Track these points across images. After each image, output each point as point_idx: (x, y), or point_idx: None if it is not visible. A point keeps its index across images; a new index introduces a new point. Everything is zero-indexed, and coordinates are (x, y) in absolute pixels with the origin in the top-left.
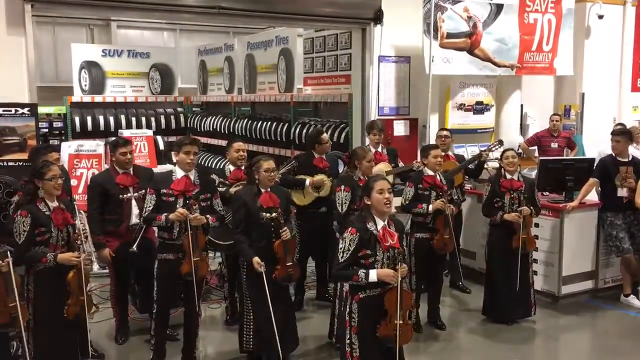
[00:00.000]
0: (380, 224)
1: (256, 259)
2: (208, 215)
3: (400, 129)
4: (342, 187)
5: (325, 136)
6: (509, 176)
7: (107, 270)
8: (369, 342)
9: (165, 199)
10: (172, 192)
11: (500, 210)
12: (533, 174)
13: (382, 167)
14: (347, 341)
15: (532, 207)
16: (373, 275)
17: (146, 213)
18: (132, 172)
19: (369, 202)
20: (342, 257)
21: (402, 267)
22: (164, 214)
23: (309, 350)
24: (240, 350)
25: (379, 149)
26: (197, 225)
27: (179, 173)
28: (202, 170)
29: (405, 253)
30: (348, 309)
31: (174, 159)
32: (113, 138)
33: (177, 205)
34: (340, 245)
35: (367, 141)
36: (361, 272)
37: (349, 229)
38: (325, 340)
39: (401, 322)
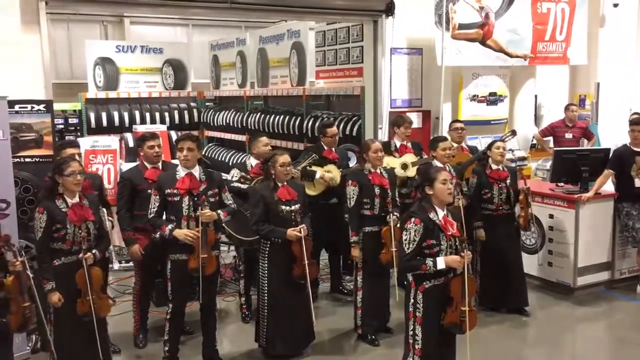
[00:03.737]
0: (441, 213)
1: (290, 231)
2: (219, 211)
3: (413, 121)
4: (350, 181)
5: (333, 130)
6: (494, 167)
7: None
8: (431, 334)
9: (170, 199)
10: (178, 191)
11: (489, 203)
12: (548, 165)
13: (408, 158)
14: (410, 332)
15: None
16: (441, 262)
17: (151, 215)
18: (161, 167)
19: (431, 192)
20: (408, 248)
21: (467, 253)
22: (168, 227)
23: (323, 342)
24: (257, 342)
25: (404, 142)
26: (208, 221)
27: (182, 171)
28: (217, 164)
29: (467, 240)
30: (412, 300)
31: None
32: (127, 133)
33: (183, 205)
34: (405, 237)
35: (384, 135)
36: (429, 261)
37: (413, 219)
38: (340, 332)
39: (467, 308)
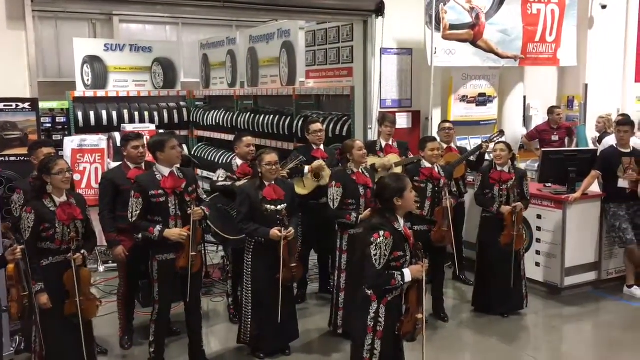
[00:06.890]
0: (402, 222)
1: (274, 231)
2: (203, 207)
3: (402, 121)
4: (334, 182)
5: (315, 125)
6: (499, 168)
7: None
8: (389, 347)
9: (155, 200)
10: (164, 191)
11: (495, 203)
12: (535, 166)
13: (392, 157)
14: (368, 347)
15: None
16: (408, 275)
17: (133, 218)
18: (144, 168)
19: (400, 203)
20: (379, 264)
21: (425, 262)
22: (157, 229)
23: (311, 342)
24: (237, 341)
25: (390, 142)
26: (199, 219)
27: (164, 171)
28: (206, 164)
29: (421, 246)
30: (372, 314)
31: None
32: (115, 132)
33: (169, 205)
34: (375, 252)
35: (374, 134)
36: (397, 275)
37: (382, 232)
38: (326, 331)
39: (423, 315)
